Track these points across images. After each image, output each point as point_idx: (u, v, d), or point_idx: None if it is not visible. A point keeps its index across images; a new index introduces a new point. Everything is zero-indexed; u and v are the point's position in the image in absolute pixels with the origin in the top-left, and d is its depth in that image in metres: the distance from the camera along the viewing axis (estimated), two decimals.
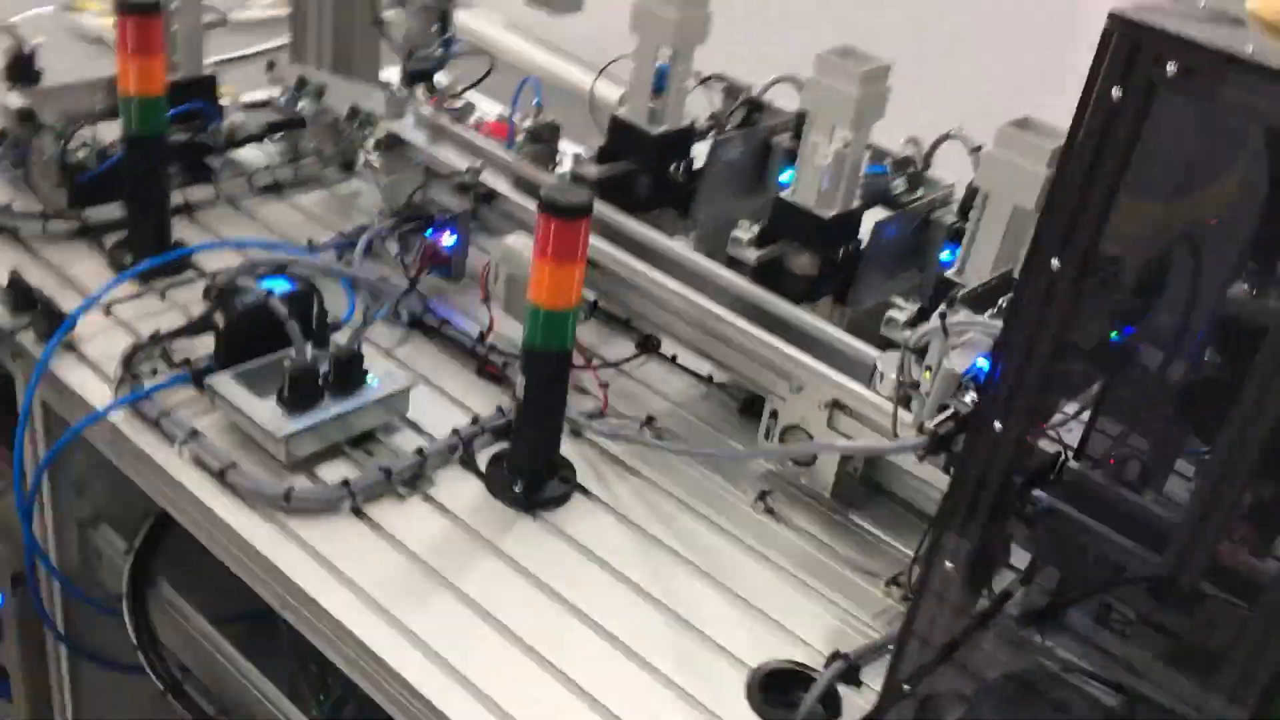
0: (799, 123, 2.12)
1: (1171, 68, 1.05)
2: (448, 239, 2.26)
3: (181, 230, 2.30)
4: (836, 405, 1.83)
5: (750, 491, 1.91)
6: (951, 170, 2.16)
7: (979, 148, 1.99)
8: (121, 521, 2.21)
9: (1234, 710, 1.17)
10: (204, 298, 1.95)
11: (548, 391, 1.78)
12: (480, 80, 2.42)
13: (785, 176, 2.36)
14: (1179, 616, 1.31)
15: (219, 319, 1.88)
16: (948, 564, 1.34)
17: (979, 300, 1.72)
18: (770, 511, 1.88)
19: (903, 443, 1.64)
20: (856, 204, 2.00)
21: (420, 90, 2.41)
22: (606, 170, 2.22)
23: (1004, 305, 1.69)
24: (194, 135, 2.41)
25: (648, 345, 2.24)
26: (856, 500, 1.91)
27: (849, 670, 1.58)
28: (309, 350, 1.83)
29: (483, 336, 2.16)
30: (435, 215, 2.22)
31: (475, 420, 1.94)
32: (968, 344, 1.57)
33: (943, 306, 1.66)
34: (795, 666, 1.60)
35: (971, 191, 1.94)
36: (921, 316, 1.78)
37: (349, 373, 1.85)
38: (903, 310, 1.82)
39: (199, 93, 2.43)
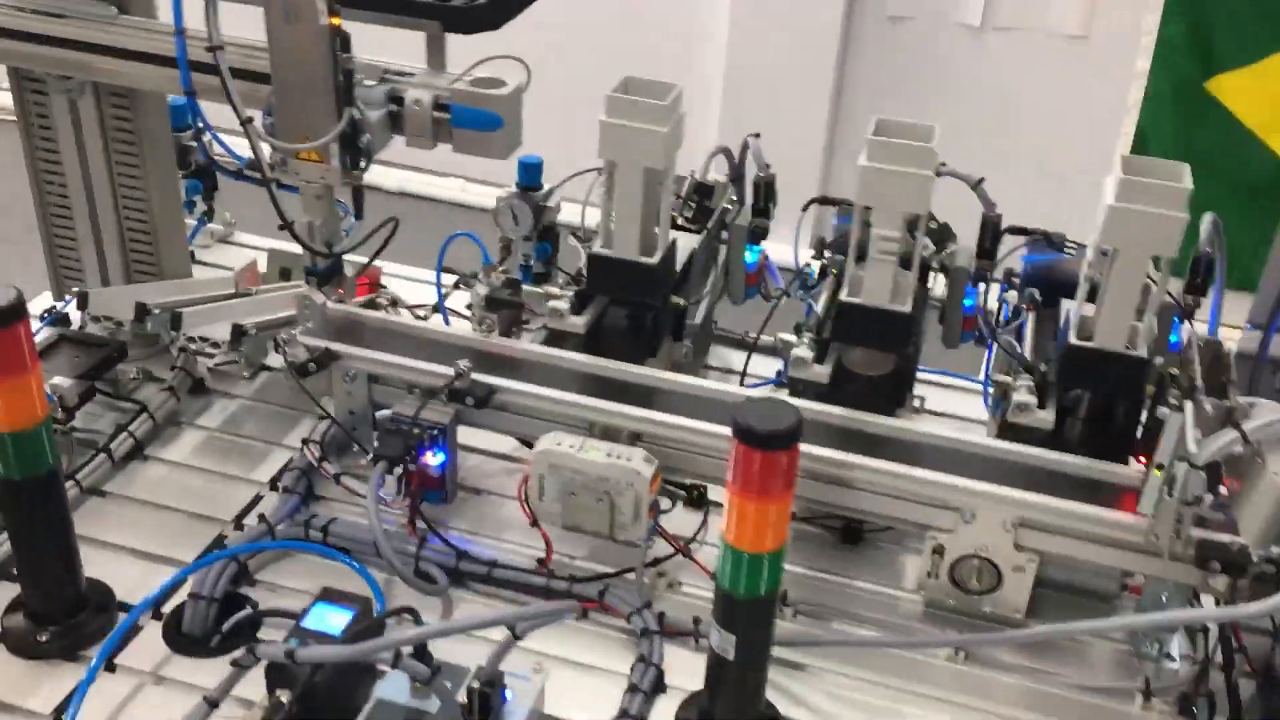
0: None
1: None
2: (435, 459, 1.81)
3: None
4: (1024, 524, 1.63)
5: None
6: None
7: None
8: None
9: None
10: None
11: (752, 645, 1.45)
12: (385, 245, 1.94)
13: (750, 256, 2.13)
14: None
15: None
16: None
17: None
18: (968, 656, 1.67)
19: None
20: None
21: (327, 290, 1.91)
22: (596, 314, 1.87)
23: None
24: None
25: (695, 498, 1.92)
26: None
27: None
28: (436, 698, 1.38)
29: (543, 564, 1.76)
30: (416, 435, 1.76)
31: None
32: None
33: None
34: None
35: None
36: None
37: (488, 702, 1.41)
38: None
39: None
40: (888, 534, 1.89)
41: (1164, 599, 1.72)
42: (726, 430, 1.68)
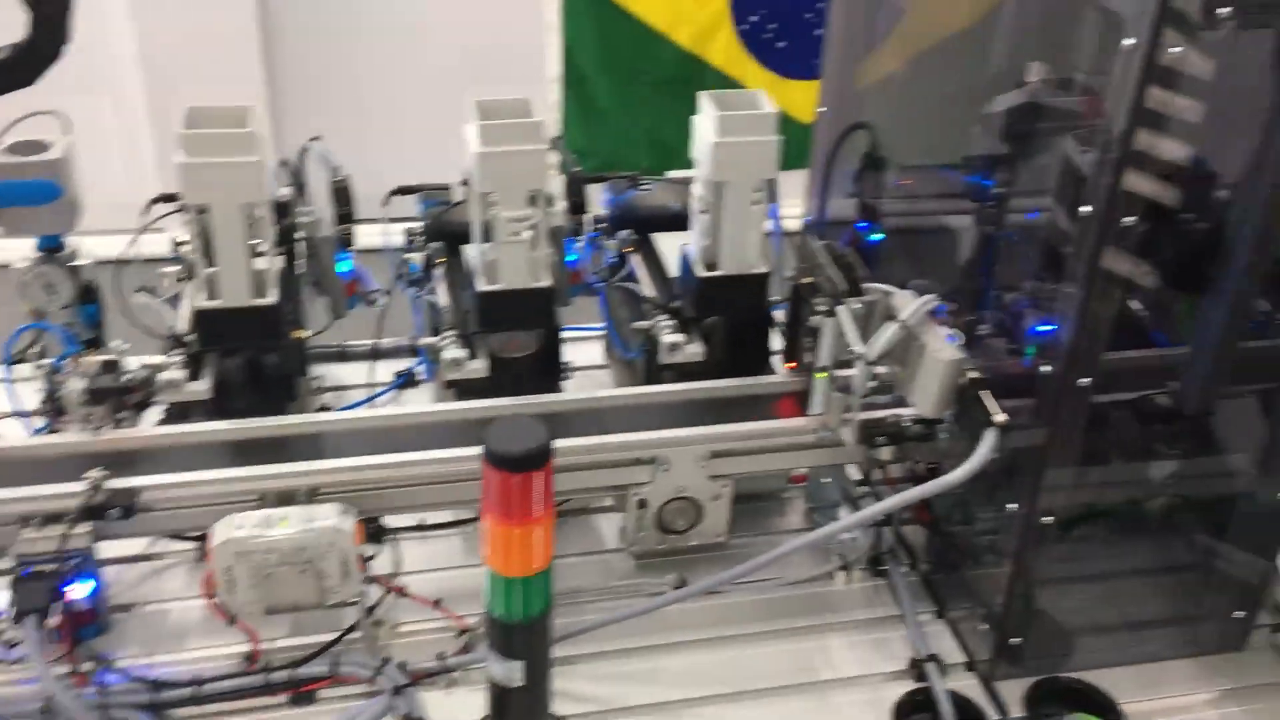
0: None
1: None
2: (83, 590, 1.53)
3: None
4: (714, 456, 1.71)
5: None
6: None
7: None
8: None
9: None
10: None
11: (536, 665, 1.40)
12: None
13: (344, 265, 2.01)
14: None
15: None
16: None
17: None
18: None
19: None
20: None
21: None
22: (216, 373, 1.67)
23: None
24: None
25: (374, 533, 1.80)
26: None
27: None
28: None
29: (253, 660, 1.56)
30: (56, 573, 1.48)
31: None
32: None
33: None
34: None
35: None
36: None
37: None
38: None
39: None
40: (569, 502, 1.90)
41: (825, 481, 1.92)
42: (415, 455, 1.62)
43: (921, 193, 2.05)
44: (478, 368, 1.76)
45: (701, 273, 1.80)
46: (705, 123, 1.72)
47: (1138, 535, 1.73)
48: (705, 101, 1.73)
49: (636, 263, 2.01)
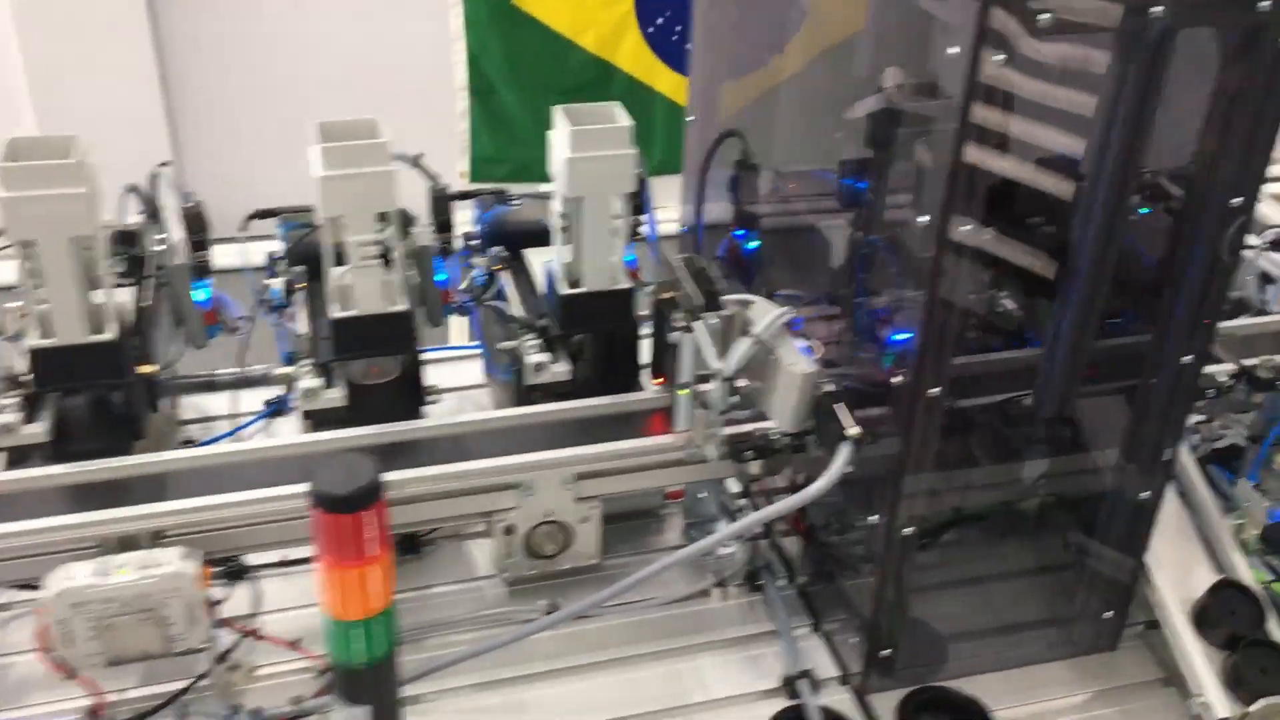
0: None
1: None
2: None
3: None
4: (580, 478, 1.67)
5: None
6: None
7: None
8: None
9: None
10: None
11: (384, 708, 1.35)
12: None
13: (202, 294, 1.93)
14: None
15: None
16: None
17: None
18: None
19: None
20: None
21: None
22: (55, 415, 1.60)
23: None
24: None
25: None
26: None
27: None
28: None
29: (96, 714, 1.50)
30: None
31: None
32: None
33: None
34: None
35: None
36: None
37: None
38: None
39: None
40: (437, 531, 1.85)
41: (702, 496, 1.89)
42: (258, 493, 1.57)
43: (794, 199, 2.03)
44: (335, 397, 1.70)
45: (565, 290, 1.76)
46: (559, 138, 1.68)
47: (1009, 539, 1.72)
48: (558, 116, 1.69)
49: (507, 280, 1.97)
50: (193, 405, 2.11)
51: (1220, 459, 1.98)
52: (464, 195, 2.05)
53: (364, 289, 1.67)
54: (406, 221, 1.90)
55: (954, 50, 1.21)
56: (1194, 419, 1.90)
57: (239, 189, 2.41)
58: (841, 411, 1.47)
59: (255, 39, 4.43)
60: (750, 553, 1.80)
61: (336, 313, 1.67)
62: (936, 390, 1.38)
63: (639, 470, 1.72)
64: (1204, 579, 1.66)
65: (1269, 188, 2.40)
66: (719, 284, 1.60)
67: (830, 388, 1.50)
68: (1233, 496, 1.87)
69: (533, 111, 4.31)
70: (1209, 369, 1.84)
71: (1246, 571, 1.67)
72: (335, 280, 1.68)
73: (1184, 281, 1.41)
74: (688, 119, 2.06)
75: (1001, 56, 1.19)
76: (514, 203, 2.09)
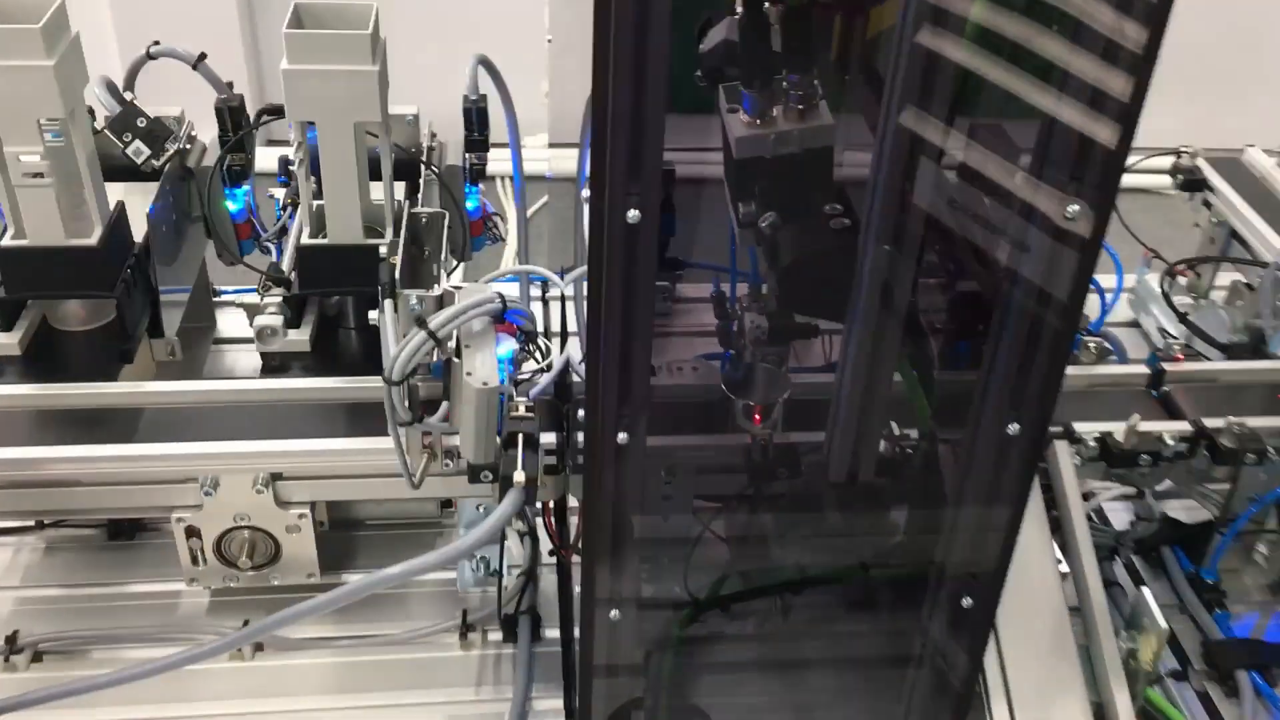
0: None
1: None
2: None
3: None
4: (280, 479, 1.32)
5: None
6: None
7: None
8: None
9: None
10: None
11: None
12: None
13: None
14: None
15: None
16: None
17: None
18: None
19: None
20: None
21: None
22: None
23: None
24: None
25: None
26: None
27: None
28: None
29: None
30: None
31: None
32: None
33: None
34: None
35: None
36: None
37: None
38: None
39: None
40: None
41: (480, 509, 1.52)
42: None
43: None
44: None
45: (304, 239, 1.41)
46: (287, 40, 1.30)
47: (813, 617, 1.30)
48: (290, 15, 1.31)
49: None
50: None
51: (1187, 540, 1.51)
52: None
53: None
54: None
55: None
56: (1114, 492, 1.42)
57: None
58: (522, 447, 1.07)
59: None
60: (514, 590, 1.43)
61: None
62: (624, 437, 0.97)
63: (367, 476, 1.36)
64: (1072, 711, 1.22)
65: None
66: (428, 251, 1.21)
67: (525, 409, 1.11)
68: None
69: None
70: (1149, 426, 1.37)
71: (1126, 706, 1.22)
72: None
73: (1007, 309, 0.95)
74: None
75: None
76: None
